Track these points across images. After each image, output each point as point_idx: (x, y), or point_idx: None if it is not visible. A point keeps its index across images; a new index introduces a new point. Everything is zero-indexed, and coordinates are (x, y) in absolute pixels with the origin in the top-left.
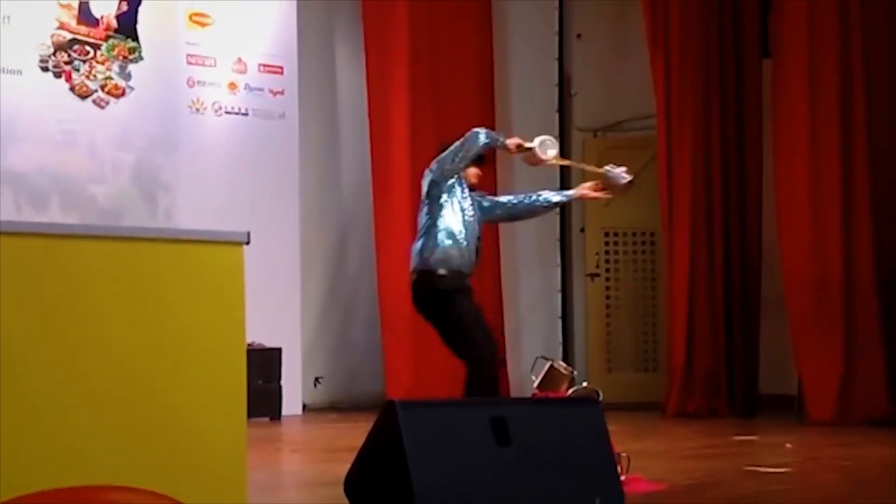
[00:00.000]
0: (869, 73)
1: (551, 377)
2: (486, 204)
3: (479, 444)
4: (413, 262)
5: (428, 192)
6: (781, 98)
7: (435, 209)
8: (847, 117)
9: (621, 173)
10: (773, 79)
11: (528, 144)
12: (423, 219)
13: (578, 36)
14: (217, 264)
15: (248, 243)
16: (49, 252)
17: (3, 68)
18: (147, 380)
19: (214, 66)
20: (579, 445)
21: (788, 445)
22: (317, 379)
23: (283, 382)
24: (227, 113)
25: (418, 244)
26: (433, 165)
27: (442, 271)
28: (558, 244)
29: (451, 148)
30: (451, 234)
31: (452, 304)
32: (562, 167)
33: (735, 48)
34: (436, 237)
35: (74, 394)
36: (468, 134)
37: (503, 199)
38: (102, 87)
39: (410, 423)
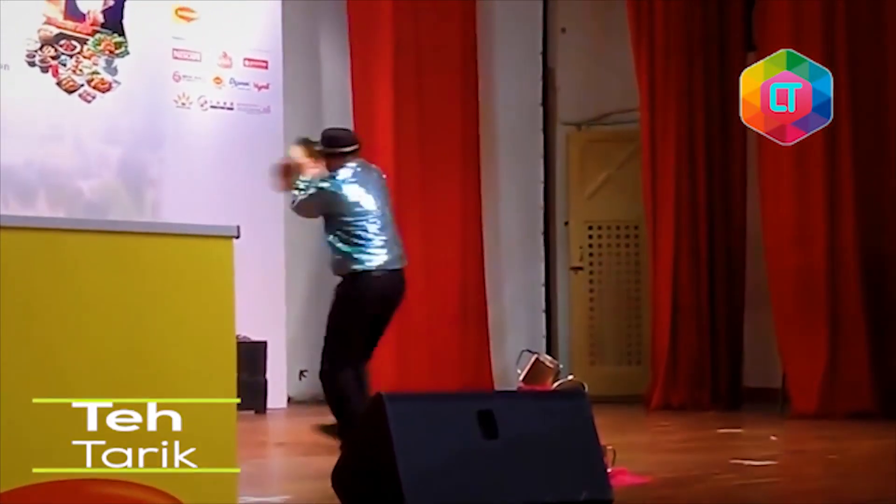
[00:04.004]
0: (853, 65)
1: (537, 370)
2: None
3: (466, 437)
4: (404, 259)
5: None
6: None
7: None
8: None
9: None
10: None
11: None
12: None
13: (563, 30)
14: (207, 258)
15: (237, 237)
16: (39, 246)
17: None
18: (137, 374)
19: (200, 60)
20: (566, 438)
21: (773, 438)
22: (301, 372)
23: (268, 376)
24: (212, 107)
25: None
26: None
27: None
28: (542, 237)
29: None
30: None
31: None
32: (545, 162)
33: (719, 42)
34: None
35: (65, 387)
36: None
37: None
38: (89, 82)
39: (398, 415)
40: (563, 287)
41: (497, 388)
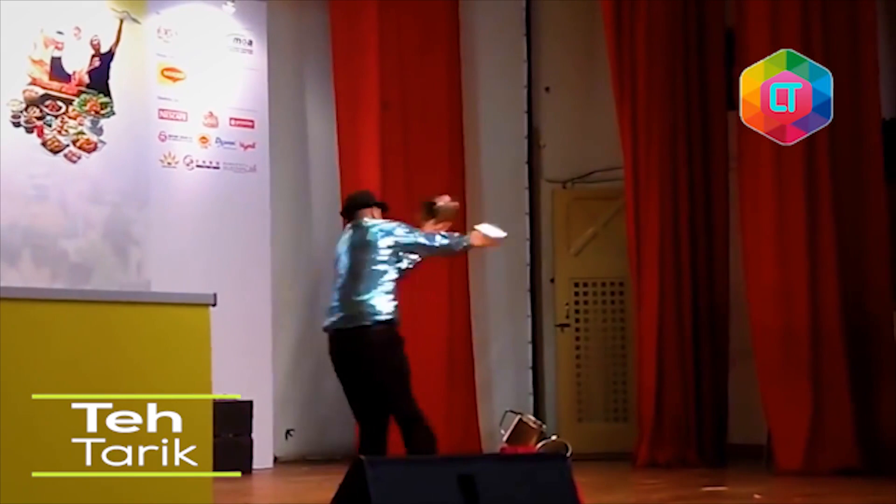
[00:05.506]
0: (833, 126)
1: (520, 431)
2: None
3: (446, 502)
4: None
5: (395, 253)
6: (747, 149)
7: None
8: (812, 167)
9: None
10: (739, 130)
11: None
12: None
13: (547, 89)
14: (184, 325)
15: (214, 305)
16: (22, 315)
17: None
18: (115, 437)
19: (186, 120)
20: (547, 503)
21: (757, 496)
22: (288, 431)
23: (254, 435)
24: (198, 167)
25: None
26: (406, 234)
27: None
28: (528, 295)
29: (426, 240)
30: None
31: None
32: (531, 219)
33: (701, 99)
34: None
35: (44, 452)
36: (441, 241)
37: None
38: (74, 142)
39: (377, 480)
40: (550, 344)
41: (484, 446)
